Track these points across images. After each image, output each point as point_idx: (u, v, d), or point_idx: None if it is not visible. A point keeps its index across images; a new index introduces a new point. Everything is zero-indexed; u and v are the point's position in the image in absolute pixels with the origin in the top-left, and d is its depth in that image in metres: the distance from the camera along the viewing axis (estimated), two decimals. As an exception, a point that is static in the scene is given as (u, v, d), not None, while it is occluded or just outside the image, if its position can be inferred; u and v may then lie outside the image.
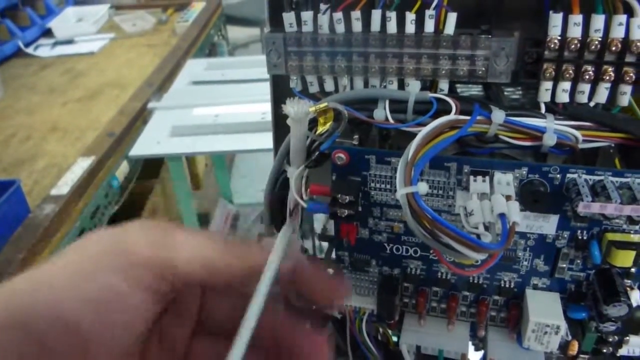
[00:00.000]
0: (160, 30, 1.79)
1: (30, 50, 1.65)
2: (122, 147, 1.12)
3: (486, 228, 0.26)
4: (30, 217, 0.86)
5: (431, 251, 0.33)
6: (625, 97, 0.31)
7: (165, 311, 0.23)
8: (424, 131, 0.27)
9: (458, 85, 0.38)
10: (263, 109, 1.14)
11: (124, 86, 1.38)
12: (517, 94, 0.41)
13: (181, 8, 1.93)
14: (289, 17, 0.33)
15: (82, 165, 1.00)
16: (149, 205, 1.33)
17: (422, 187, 0.24)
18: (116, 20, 1.85)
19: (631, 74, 0.30)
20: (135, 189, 1.22)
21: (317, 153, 0.31)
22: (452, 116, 0.29)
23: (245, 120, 1.13)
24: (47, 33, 1.74)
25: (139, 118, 1.22)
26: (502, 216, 0.26)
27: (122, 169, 1.11)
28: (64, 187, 0.94)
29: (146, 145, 1.08)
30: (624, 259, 0.29)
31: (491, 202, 0.27)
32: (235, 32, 2.52)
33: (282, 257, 0.24)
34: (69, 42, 1.69)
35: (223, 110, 1.19)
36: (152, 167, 1.39)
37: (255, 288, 0.22)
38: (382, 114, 0.31)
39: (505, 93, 0.41)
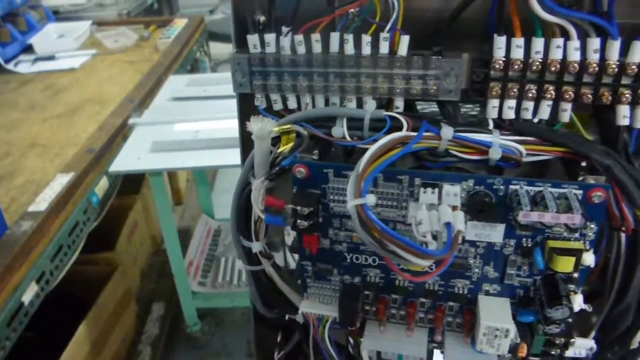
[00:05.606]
0: (142, 47, 1.80)
1: (10, 66, 1.64)
2: (102, 163, 1.12)
3: (435, 236, 0.28)
4: (8, 234, 0.86)
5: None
6: (566, 114, 0.33)
7: None
8: (373, 148, 0.29)
9: (420, 102, 0.40)
10: (243, 125, 1.16)
11: (105, 102, 1.38)
12: (476, 110, 0.44)
13: (163, 25, 1.95)
14: (253, 39, 0.35)
15: (60, 181, 1.00)
16: (129, 221, 1.33)
17: (371, 199, 0.26)
18: (98, 37, 1.86)
19: (570, 93, 0.32)
20: (116, 205, 1.22)
21: (277, 168, 0.33)
22: (402, 133, 0.31)
23: (226, 135, 1.14)
24: (28, 49, 1.74)
25: (120, 134, 1.22)
26: (448, 225, 0.28)
27: (102, 185, 1.11)
28: (42, 203, 0.94)
29: (126, 161, 1.08)
30: (564, 264, 0.31)
31: (439, 212, 0.29)
32: (218, 49, 2.54)
33: None
34: (50, 58, 1.70)
35: (204, 126, 1.20)
36: (133, 182, 1.40)
37: None
38: (340, 131, 0.33)
39: (465, 109, 0.43)
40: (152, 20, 2.03)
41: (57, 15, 2.08)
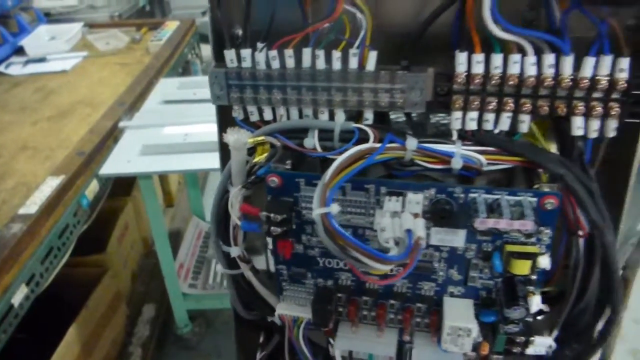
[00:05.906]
0: (133, 49, 1.81)
1: (1, 68, 1.65)
2: (92, 166, 1.13)
3: (397, 242, 0.30)
4: (-2, 237, 0.87)
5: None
6: (524, 125, 0.35)
7: None
8: (339, 159, 0.31)
9: (393, 112, 0.41)
10: (232, 128, 1.17)
11: (96, 105, 1.39)
12: (448, 119, 0.45)
13: (155, 27, 1.96)
14: (229, 54, 0.37)
15: (51, 184, 1.01)
16: (120, 223, 1.34)
17: (334, 208, 0.28)
18: (89, 39, 1.87)
19: (528, 105, 0.34)
20: (106, 207, 1.23)
21: (253, 177, 0.35)
22: (367, 145, 0.33)
23: (215, 139, 1.15)
24: (19, 51, 1.75)
25: (110, 137, 1.23)
26: (408, 232, 0.29)
27: (92, 188, 1.12)
28: (32, 206, 0.95)
29: (116, 164, 1.10)
30: (521, 267, 0.33)
31: (401, 219, 0.31)
32: (210, 51, 2.55)
33: None
34: (42, 60, 1.70)
35: (193, 129, 1.22)
36: (123, 185, 1.41)
37: None
38: (311, 142, 0.35)
39: (437, 118, 0.45)
40: (144, 22, 2.03)
41: (49, 17, 2.09)
